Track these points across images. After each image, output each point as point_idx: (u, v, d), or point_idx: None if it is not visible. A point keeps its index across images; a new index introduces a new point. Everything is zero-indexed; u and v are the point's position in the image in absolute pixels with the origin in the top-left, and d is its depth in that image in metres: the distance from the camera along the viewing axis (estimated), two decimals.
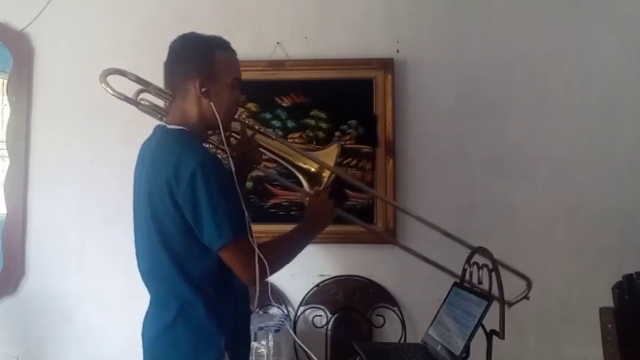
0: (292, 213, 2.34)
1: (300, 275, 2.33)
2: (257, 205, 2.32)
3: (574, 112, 2.33)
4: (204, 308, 1.28)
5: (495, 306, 1.46)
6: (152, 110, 1.51)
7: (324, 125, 2.36)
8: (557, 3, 2.37)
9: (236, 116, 1.45)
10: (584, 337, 2.13)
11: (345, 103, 2.35)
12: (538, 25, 2.36)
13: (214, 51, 1.34)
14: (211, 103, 1.32)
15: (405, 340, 2.27)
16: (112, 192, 2.37)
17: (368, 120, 2.35)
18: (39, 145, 2.46)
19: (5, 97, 2.48)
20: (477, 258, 1.61)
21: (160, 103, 1.54)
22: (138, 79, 1.50)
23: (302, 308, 2.35)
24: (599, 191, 2.30)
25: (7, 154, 2.45)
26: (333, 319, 2.33)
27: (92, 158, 2.44)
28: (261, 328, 2.05)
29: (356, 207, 2.31)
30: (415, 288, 2.30)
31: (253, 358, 2.00)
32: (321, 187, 1.52)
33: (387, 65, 2.34)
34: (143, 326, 1.39)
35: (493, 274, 1.49)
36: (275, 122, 2.36)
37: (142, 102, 1.51)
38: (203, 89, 1.32)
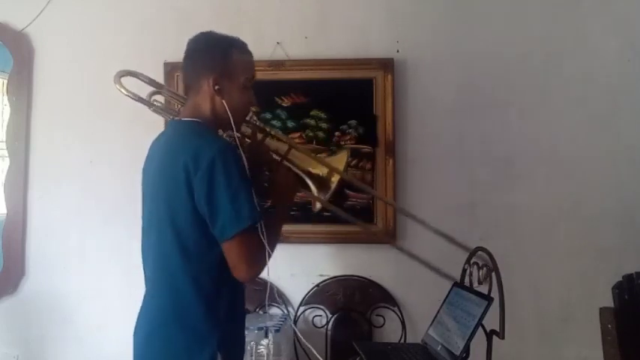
0: (292, 213, 2.34)
1: (300, 275, 2.34)
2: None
3: (574, 112, 2.33)
4: (201, 306, 1.27)
5: (495, 306, 1.46)
6: (164, 111, 1.52)
7: (324, 125, 2.36)
8: (557, 3, 2.37)
9: (247, 118, 1.45)
10: (584, 337, 2.12)
11: (345, 103, 2.35)
12: (538, 25, 2.36)
13: (231, 50, 1.35)
14: (223, 101, 1.33)
15: (405, 340, 2.26)
16: (111, 192, 2.38)
17: (368, 120, 2.35)
18: (39, 145, 2.46)
19: (5, 97, 2.48)
20: (477, 258, 1.62)
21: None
22: (151, 81, 1.51)
23: (302, 308, 2.35)
24: (599, 191, 2.30)
25: (7, 154, 2.45)
26: (333, 319, 2.33)
27: (92, 158, 2.44)
28: (261, 328, 2.05)
29: (356, 207, 2.31)
30: (415, 288, 2.29)
31: (253, 358, 2.00)
32: (329, 193, 1.52)
33: (387, 65, 2.34)
34: (136, 323, 1.37)
35: (493, 274, 1.49)
36: (275, 122, 2.36)
37: (154, 103, 1.53)
38: (216, 87, 1.33)
